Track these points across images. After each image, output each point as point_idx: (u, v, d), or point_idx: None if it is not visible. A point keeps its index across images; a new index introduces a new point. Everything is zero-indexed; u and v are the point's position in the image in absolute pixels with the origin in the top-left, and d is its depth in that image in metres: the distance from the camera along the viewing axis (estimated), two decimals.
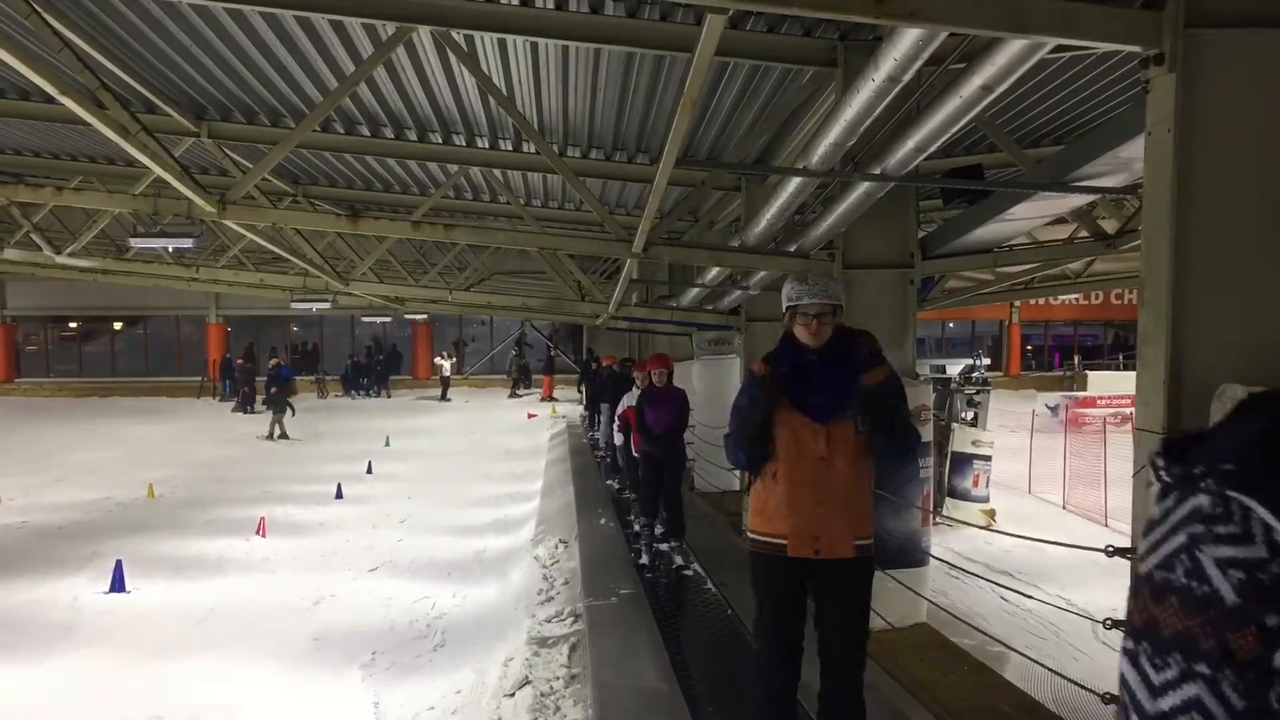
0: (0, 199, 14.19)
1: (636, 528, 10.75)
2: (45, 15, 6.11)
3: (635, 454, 10.75)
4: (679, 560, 9.99)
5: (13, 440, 25.70)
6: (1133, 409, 4.47)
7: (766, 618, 4.36)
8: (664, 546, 10.31)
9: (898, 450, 4.44)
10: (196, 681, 8.36)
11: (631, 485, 11.63)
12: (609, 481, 15.84)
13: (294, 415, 26.59)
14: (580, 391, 29.75)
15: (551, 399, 33.37)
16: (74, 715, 7.68)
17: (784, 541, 4.20)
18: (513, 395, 35.53)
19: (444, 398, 34.49)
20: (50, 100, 8.18)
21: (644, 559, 10.06)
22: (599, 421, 19.95)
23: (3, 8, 7.26)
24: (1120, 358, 36.91)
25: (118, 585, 11.14)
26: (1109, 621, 4.41)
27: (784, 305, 4.41)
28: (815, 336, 4.24)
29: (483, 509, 16.38)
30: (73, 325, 38.98)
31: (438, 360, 35.68)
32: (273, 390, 25.98)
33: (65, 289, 32.54)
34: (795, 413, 4.21)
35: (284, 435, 25.79)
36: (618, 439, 11.01)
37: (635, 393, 10.74)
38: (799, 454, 4.20)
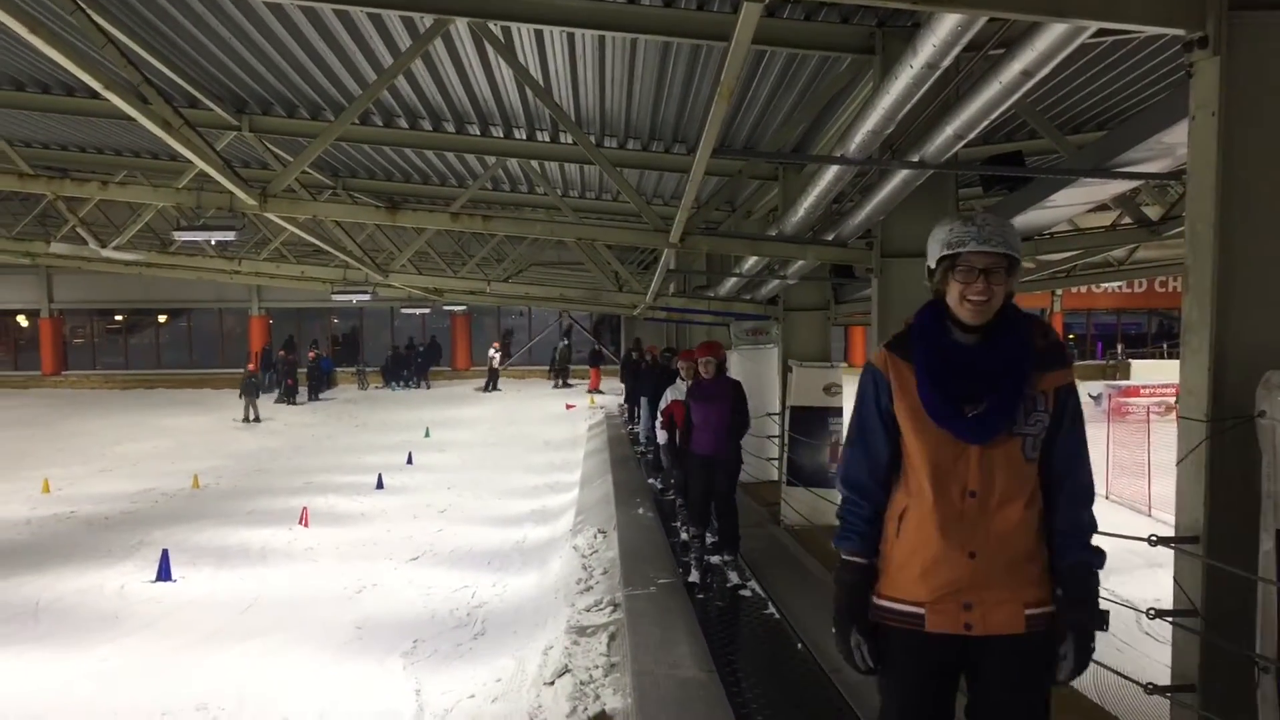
0: (47, 193, 14.38)
1: (684, 537, 9.76)
2: (89, 11, 6.18)
3: (680, 455, 9.34)
4: (734, 577, 8.71)
5: (60, 431, 26.14)
6: (1177, 398, 4.42)
7: (895, 716, 3.02)
8: (716, 559, 9.07)
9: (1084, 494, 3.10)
10: (241, 669, 8.49)
11: (678, 489, 10.40)
12: (651, 480, 14.77)
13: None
14: (624, 384, 28.01)
15: (598, 391, 33.21)
16: (121, 702, 7.81)
17: (920, 611, 2.88)
18: (558, 386, 35.41)
19: (493, 387, 34.61)
20: (95, 95, 8.29)
21: (694, 575, 8.78)
22: (639, 415, 19.73)
23: (48, 4, 7.34)
24: (1164, 346, 36.42)
25: (164, 574, 11.32)
26: (1152, 612, 4.37)
27: (933, 258, 3.11)
28: (978, 309, 2.86)
29: (522, 499, 16.46)
30: (118, 318, 39.49)
31: (491, 352, 35.90)
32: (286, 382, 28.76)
33: (111, 282, 32.98)
34: (935, 426, 2.87)
35: (257, 419, 28.29)
36: (660, 437, 9.63)
37: (680, 386, 9.40)
38: (940, 487, 2.87)
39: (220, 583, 11.32)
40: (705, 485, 8.76)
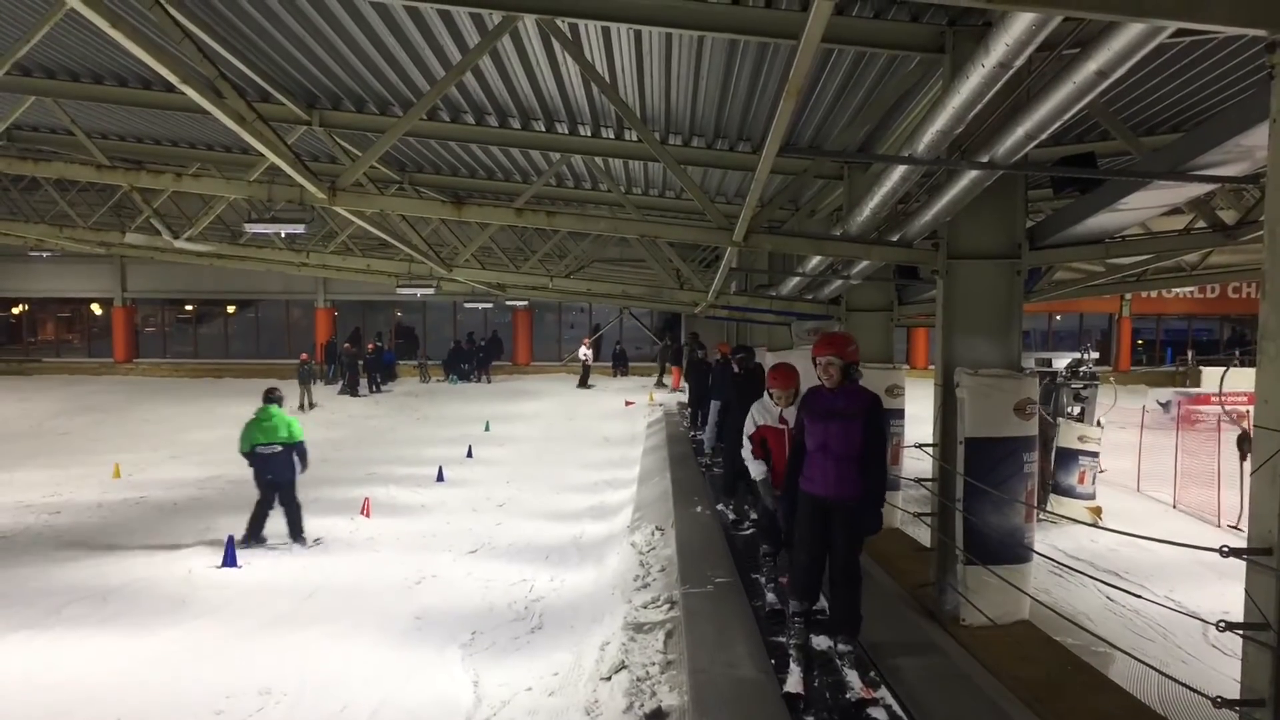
0: (123, 185, 14.71)
1: (783, 608, 7.14)
2: (168, 7, 6.32)
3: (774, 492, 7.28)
4: (855, 682, 6.14)
5: (131, 418, 26.72)
6: (1250, 407, 4.33)
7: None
8: (824, 644, 6.66)
9: None
10: (302, 655, 8.60)
11: (768, 535, 7.87)
12: (720, 507, 11.94)
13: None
14: (686, 383, 25.13)
15: (677, 390, 32.75)
16: (186, 685, 7.96)
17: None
18: (659, 385, 34.29)
19: (585, 384, 34.56)
20: (171, 89, 8.49)
21: (793, 677, 6.19)
22: (704, 419, 17.58)
23: (129, 0, 7.52)
24: (1237, 353, 35.62)
25: (229, 560, 11.51)
26: (1222, 624, 4.29)
27: None
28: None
29: (580, 494, 16.51)
30: (188, 308, 40.28)
31: (583, 350, 36.03)
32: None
33: (182, 272, 33.67)
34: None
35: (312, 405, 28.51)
36: (756, 469, 7.40)
37: (769, 407, 7.43)
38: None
39: (283, 570, 11.49)
40: (818, 540, 6.16)
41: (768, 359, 13.32)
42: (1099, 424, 15.45)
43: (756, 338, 22.81)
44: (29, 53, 8.99)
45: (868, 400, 6.07)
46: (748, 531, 10.62)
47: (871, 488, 6.00)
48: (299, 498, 12.46)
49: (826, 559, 6.18)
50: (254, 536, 12.15)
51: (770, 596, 7.80)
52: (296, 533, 12.32)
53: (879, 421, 6.07)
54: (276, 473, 12.13)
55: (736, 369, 11.61)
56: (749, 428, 7.52)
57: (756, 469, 7.44)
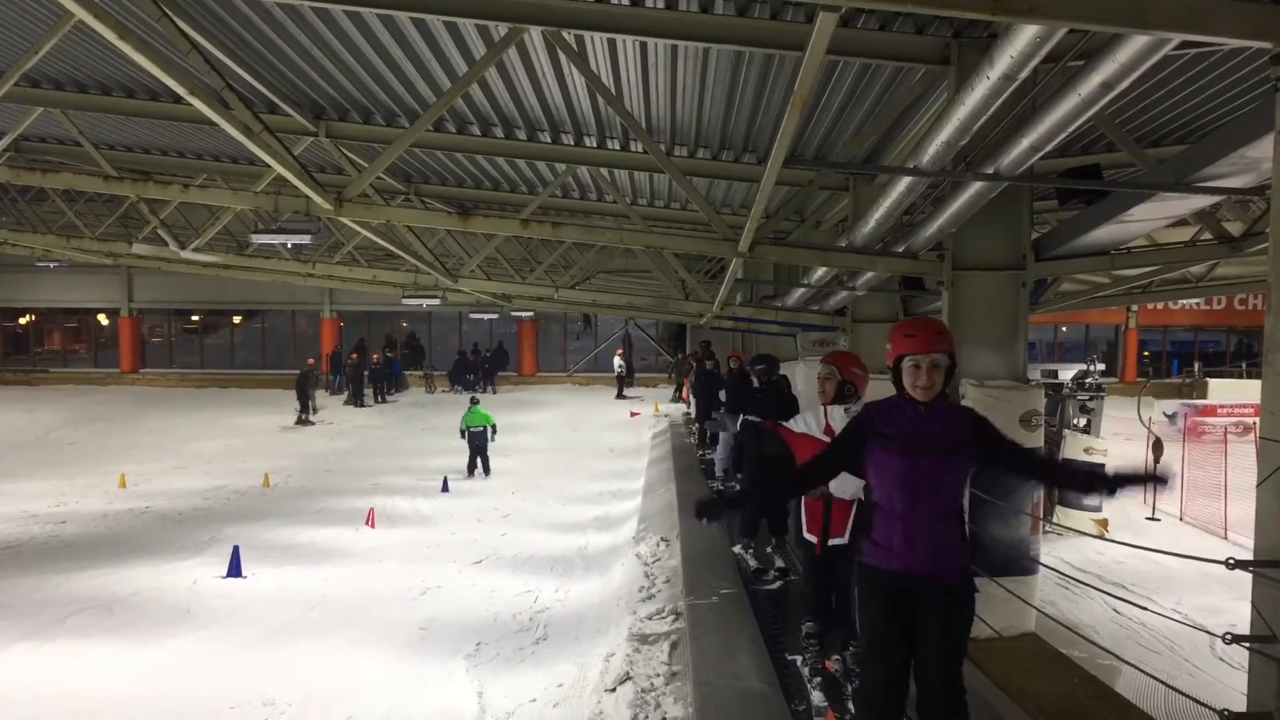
0: (131, 195, 14.76)
1: None
2: (175, 19, 6.34)
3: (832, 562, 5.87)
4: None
5: (137, 428, 26.78)
6: (1256, 418, 4.32)
7: None
8: None
9: None
10: (308, 665, 8.62)
11: (814, 607, 6.10)
12: (738, 549, 9.64)
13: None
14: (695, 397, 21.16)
15: (685, 401, 32.48)
16: (191, 695, 7.97)
17: None
18: (675, 402, 32.80)
19: (621, 395, 34.59)
20: (178, 100, 8.50)
21: None
22: (713, 436, 16.57)
23: (136, 12, 7.54)
24: (1243, 365, 35.55)
25: (234, 570, 11.53)
26: (1229, 636, 4.28)
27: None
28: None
29: (585, 505, 16.52)
30: (194, 318, 40.35)
31: (617, 361, 36.10)
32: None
33: (188, 283, 33.67)
34: None
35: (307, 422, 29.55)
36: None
37: (812, 418, 5.95)
38: None
39: (289, 580, 11.50)
40: (898, 642, 4.12)
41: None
42: (1151, 420, 15.08)
43: (761, 349, 22.78)
44: (37, 64, 9.03)
45: (972, 424, 4.11)
46: (774, 585, 8.68)
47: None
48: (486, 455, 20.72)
49: (910, 670, 4.14)
50: (470, 472, 20.40)
51: (817, 698, 5.80)
52: (487, 470, 20.50)
53: (995, 450, 4.11)
54: (479, 441, 20.49)
55: (756, 382, 10.14)
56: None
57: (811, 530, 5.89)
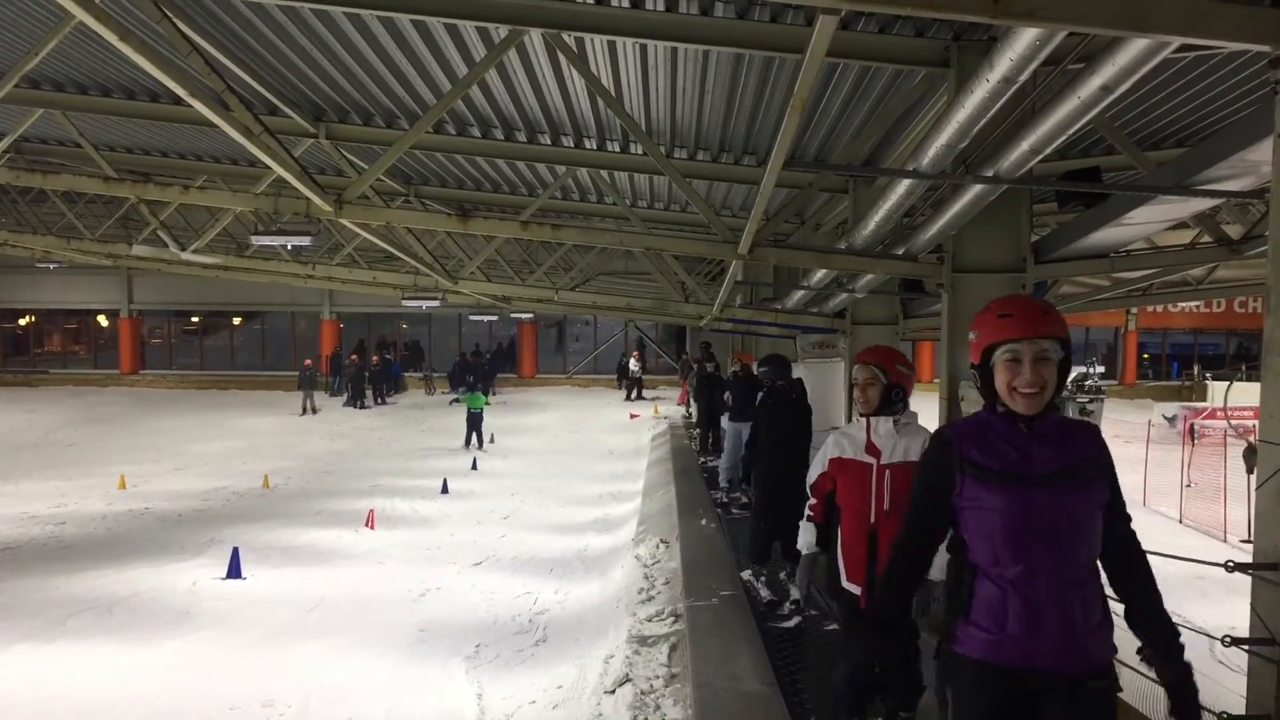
0: (131, 197, 14.77)
1: None
2: (176, 21, 6.35)
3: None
4: None
5: (137, 430, 26.79)
6: (1256, 421, 4.33)
7: None
8: None
9: None
10: (307, 667, 8.61)
11: (847, 694, 4.95)
12: (747, 577, 8.62)
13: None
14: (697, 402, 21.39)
15: (685, 405, 32.36)
16: (190, 696, 7.96)
17: None
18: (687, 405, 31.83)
19: (639, 396, 34.51)
20: (179, 102, 8.51)
21: None
22: (715, 441, 16.87)
23: (137, 14, 7.55)
24: (1243, 368, 35.56)
25: (234, 572, 11.53)
26: (1228, 639, 4.28)
27: None
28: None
29: (584, 507, 16.51)
30: (194, 319, 40.34)
31: (632, 363, 36.01)
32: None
33: (188, 284, 33.68)
34: None
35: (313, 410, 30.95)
36: (804, 538, 5.52)
37: (846, 439, 4.87)
38: None
39: (288, 582, 11.50)
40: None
41: None
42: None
43: (761, 351, 22.79)
44: (37, 65, 9.04)
45: (1097, 446, 3.09)
46: (791, 623, 7.47)
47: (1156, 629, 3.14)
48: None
49: None
50: (466, 444, 24.38)
51: None
52: (481, 442, 24.40)
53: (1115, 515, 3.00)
54: (476, 418, 24.48)
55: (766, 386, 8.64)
56: (814, 472, 5.07)
57: (806, 536, 5.18)
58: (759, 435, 8.17)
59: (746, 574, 8.60)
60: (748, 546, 8.62)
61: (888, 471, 4.54)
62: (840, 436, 4.90)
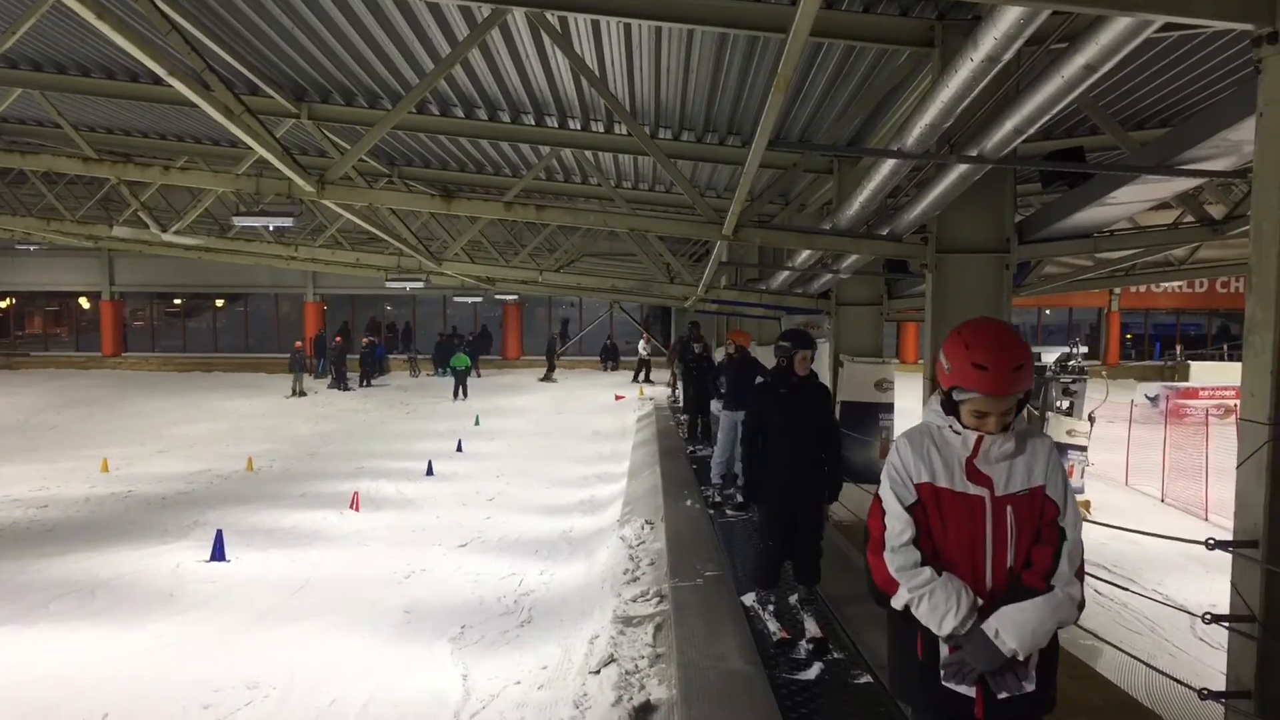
0: (111, 177, 14.65)
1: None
2: None
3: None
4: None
5: (119, 412, 26.66)
6: (1237, 400, 4.35)
7: None
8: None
9: None
10: (292, 649, 8.59)
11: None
12: (752, 603, 7.29)
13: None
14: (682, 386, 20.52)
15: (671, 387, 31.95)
16: (174, 679, 7.94)
17: None
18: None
19: (646, 378, 34.37)
20: (158, 82, 8.43)
21: None
22: (704, 429, 16.32)
23: None
24: (1225, 347, 35.78)
25: (218, 554, 11.49)
26: (1208, 616, 4.31)
27: None
28: None
29: (570, 489, 16.51)
30: (177, 301, 40.16)
31: (641, 345, 35.95)
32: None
33: (170, 266, 33.51)
34: None
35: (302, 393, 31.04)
36: (904, 599, 3.02)
37: (938, 455, 3.03)
38: None
39: (272, 564, 11.47)
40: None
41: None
42: (1090, 419, 15.49)
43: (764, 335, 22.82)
44: (15, 45, 8.97)
45: None
46: (811, 673, 6.18)
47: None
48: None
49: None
50: (455, 397, 29.71)
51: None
52: (465, 394, 30.05)
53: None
54: (462, 374, 29.74)
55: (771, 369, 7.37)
56: (893, 495, 3.09)
57: (911, 595, 3.00)
58: (764, 430, 6.88)
59: (749, 599, 7.33)
60: (751, 570, 7.44)
61: (992, 503, 3.08)
62: (919, 449, 3.16)
